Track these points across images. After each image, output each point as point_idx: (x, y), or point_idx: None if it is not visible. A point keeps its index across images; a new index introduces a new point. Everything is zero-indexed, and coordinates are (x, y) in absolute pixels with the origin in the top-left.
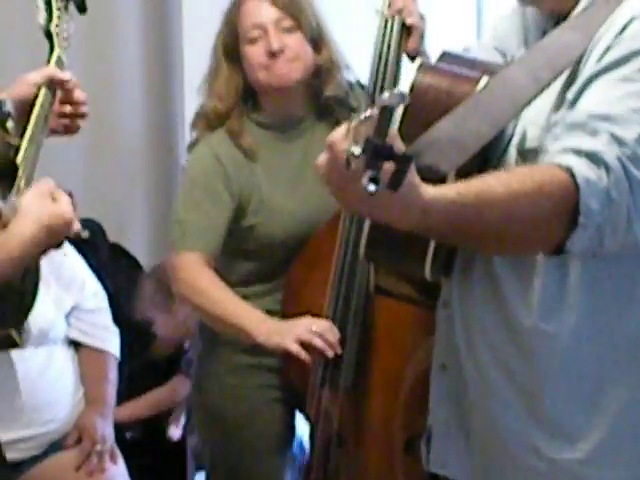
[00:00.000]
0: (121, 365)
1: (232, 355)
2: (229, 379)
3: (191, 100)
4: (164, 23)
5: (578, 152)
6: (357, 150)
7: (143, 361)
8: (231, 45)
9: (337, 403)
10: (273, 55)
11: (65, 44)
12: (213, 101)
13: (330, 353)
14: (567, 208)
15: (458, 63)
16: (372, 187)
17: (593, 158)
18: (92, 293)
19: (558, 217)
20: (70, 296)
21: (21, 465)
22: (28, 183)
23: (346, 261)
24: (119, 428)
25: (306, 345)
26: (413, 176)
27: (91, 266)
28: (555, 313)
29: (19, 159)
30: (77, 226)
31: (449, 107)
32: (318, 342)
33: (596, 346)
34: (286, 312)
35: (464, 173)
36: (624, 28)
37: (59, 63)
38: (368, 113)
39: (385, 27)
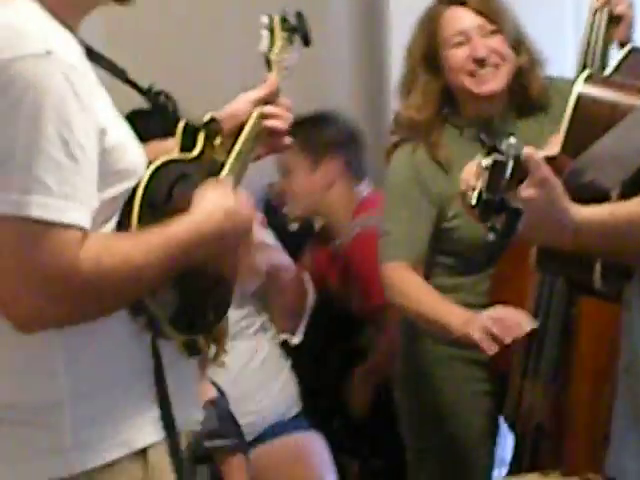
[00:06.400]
0: None
1: (435, 347)
2: (434, 370)
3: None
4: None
5: None
6: (473, 201)
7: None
8: (429, 52)
9: (538, 394)
10: (479, 62)
11: (284, 73)
12: (410, 112)
13: (508, 339)
14: None
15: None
16: (491, 236)
17: None
18: None
19: None
20: None
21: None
22: None
23: None
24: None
25: (491, 334)
26: (563, 201)
27: None
28: None
29: (222, 174)
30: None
31: (613, 120)
32: (497, 329)
33: None
34: (493, 303)
35: (630, 190)
36: None
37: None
38: (484, 163)
39: (594, 18)
